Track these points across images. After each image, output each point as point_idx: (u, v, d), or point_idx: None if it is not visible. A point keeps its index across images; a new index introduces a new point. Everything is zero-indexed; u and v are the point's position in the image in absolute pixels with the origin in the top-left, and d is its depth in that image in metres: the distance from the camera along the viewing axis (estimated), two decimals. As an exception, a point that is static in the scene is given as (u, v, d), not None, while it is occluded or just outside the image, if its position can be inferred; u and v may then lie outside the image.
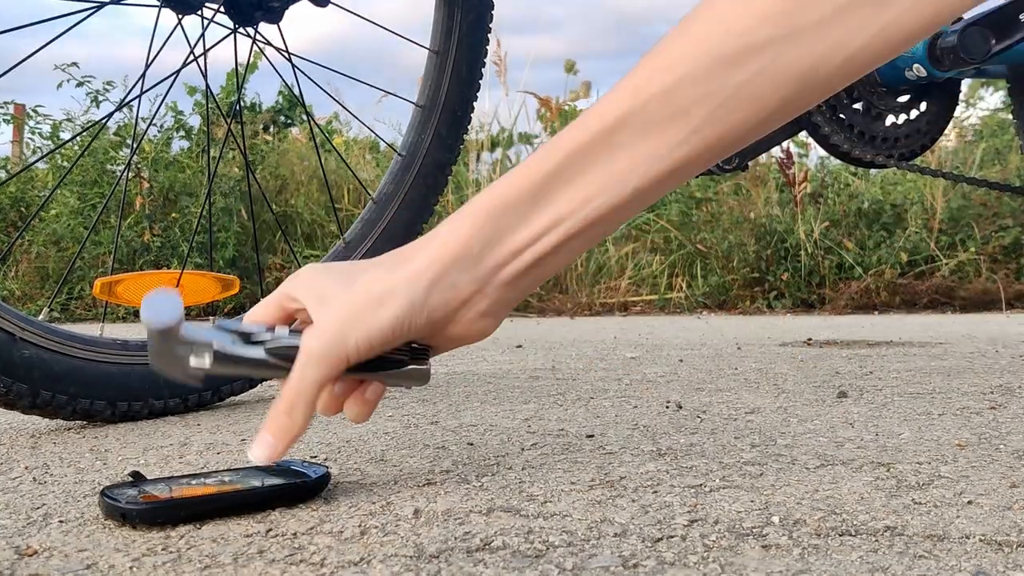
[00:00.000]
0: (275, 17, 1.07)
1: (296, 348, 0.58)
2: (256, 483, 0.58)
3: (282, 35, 1.10)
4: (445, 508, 0.57)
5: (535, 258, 0.58)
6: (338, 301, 0.57)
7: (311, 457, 0.74)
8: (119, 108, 1.21)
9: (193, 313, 3.51)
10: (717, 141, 0.55)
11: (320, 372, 0.57)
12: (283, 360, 0.58)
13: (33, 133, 4.63)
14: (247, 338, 0.59)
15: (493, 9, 1.24)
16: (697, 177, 1.86)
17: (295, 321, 0.62)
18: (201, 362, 0.57)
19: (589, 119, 0.56)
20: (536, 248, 0.57)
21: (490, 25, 1.25)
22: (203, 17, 1.03)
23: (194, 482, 0.60)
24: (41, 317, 0.94)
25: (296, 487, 0.58)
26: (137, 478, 0.60)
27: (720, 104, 0.53)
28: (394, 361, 0.60)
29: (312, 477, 0.60)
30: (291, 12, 1.09)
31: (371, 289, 0.57)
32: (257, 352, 0.58)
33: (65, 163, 4.32)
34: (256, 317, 0.62)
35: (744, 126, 0.54)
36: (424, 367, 0.62)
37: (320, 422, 0.92)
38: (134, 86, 0.99)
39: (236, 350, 0.58)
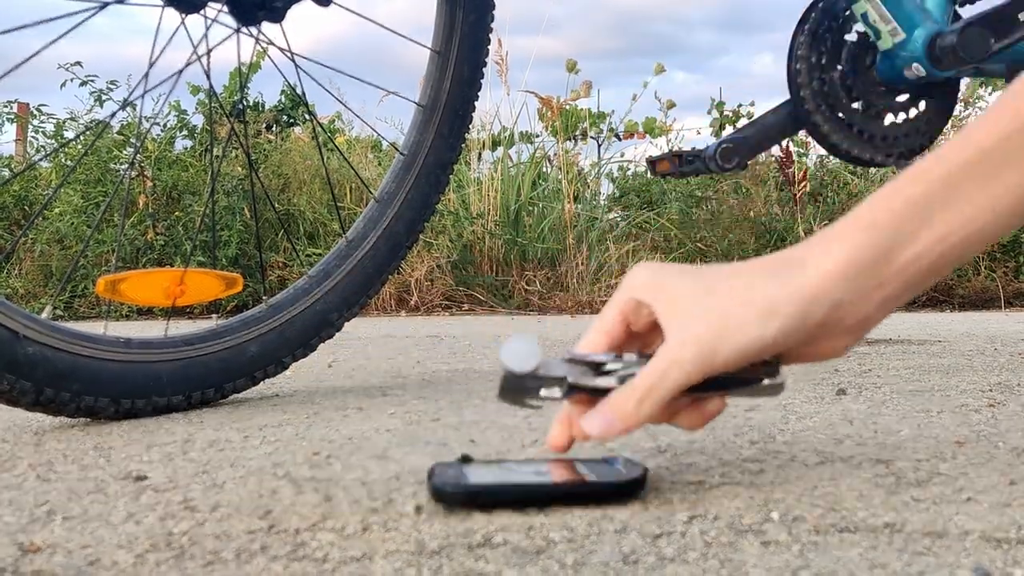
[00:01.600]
0: (278, 17, 1.08)
1: None
2: (569, 478, 0.59)
3: (285, 35, 1.10)
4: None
5: (917, 273, 0.54)
6: (704, 308, 0.54)
7: (313, 454, 0.75)
8: (122, 107, 1.21)
9: (196, 311, 3.52)
10: None
11: (683, 378, 0.55)
12: None
13: (37, 132, 4.64)
14: (598, 368, 0.59)
15: (494, 9, 1.25)
16: (697, 176, 1.86)
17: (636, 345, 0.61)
18: (551, 393, 0.59)
19: (976, 135, 0.52)
20: (919, 264, 0.53)
21: (491, 25, 1.25)
22: (206, 17, 1.04)
23: (515, 468, 0.62)
24: (44, 315, 0.94)
25: (607, 486, 0.58)
26: (465, 460, 0.63)
27: None
28: (748, 379, 0.58)
29: (627, 478, 0.59)
30: (294, 12, 1.09)
31: (750, 299, 0.54)
32: (609, 381, 0.58)
33: (69, 162, 4.32)
34: (596, 339, 0.60)
35: None
36: (780, 381, 0.59)
37: (323, 419, 0.92)
38: (137, 85, 1.00)
39: (588, 381, 0.59)
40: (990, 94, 5.10)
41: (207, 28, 1.04)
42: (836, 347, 0.57)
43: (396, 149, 1.26)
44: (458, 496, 0.56)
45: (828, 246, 0.54)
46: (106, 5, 0.95)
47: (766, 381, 0.58)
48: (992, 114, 0.53)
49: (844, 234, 0.54)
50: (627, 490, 0.58)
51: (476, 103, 1.27)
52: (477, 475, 0.59)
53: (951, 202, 0.52)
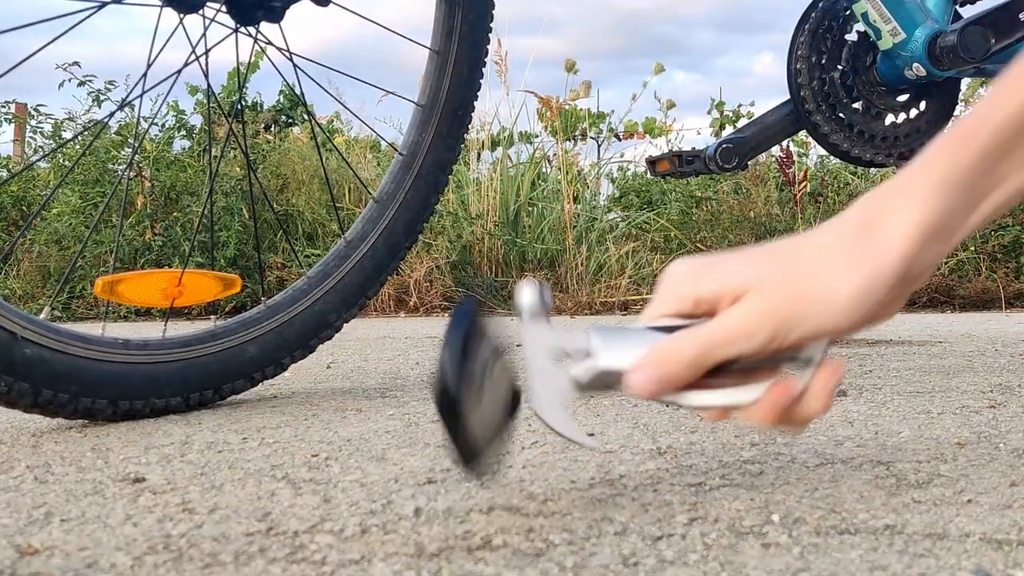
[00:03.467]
0: (276, 16, 1.07)
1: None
2: None
3: (283, 35, 1.10)
4: (446, 507, 0.57)
5: (989, 217, 0.51)
6: (786, 281, 0.50)
7: (312, 456, 0.74)
8: (121, 107, 1.21)
9: (194, 312, 3.51)
10: None
11: (749, 349, 0.50)
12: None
13: (35, 132, 4.63)
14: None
15: (494, 8, 1.24)
16: (696, 176, 1.86)
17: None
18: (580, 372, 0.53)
19: None
20: (983, 217, 0.50)
21: (491, 24, 1.25)
22: (204, 16, 1.03)
23: None
24: (43, 316, 0.94)
25: None
26: None
27: None
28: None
29: None
30: (292, 12, 1.09)
31: (840, 273, 0.49)
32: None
33: (67, 162, 4.32)
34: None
35: None
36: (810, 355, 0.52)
37: (321, 421, 0.92)
38: (135, 85, 1.00)
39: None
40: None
41: (205, 28, 1.04)
42: (890, 312, 0.53)
43: (395, 149, 1.26)
44: None
45: (904, 205, 0.50)
46: (104, 5, 0.95)
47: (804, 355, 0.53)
48: None
49: (919, 193, 0.50)
50: None
51: (475, 103, 1.26)
52: None
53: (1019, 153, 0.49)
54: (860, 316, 0.50)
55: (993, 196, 0.50)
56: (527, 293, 0.55)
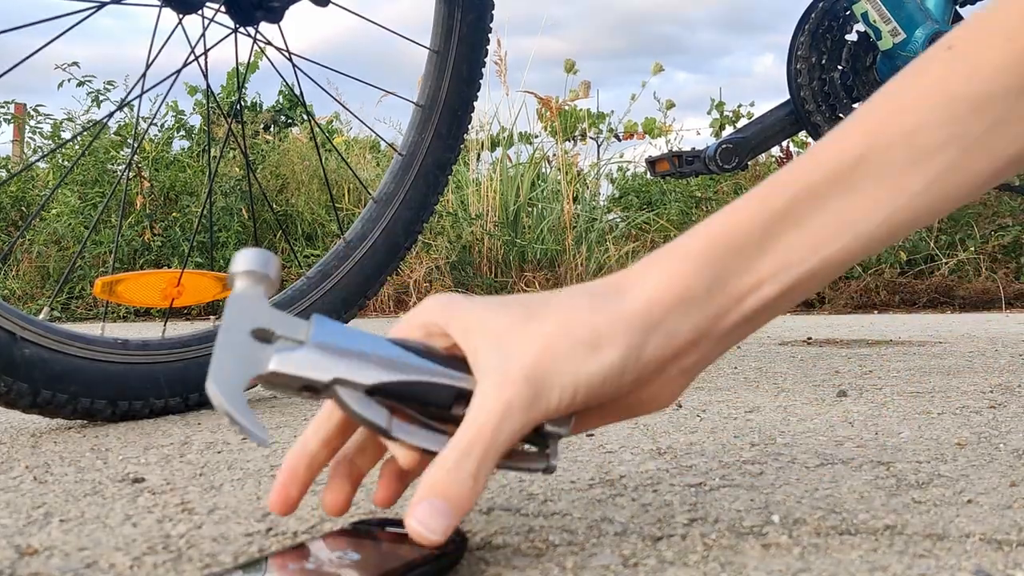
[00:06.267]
0: (276, 17, 1.07)
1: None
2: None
3: (283, 35, 1.10)
4: (445, 507, 0.57)
5: (756, 307, 0.49)
6: (527, 336, 0.46)
7: (312, 456, 0.74)
8: (120, 108, 1.21)
9: (193, 312, 3.52)
10: (955, 190, 0.49)
11: (517, 428, 0.45)
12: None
13: (34, 132, 4.64)
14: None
15: (494, 9, 1.24)
16: (696, 176, 1.86)
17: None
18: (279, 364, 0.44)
19: (821, 157, 0.50)
20: (759, 295, 0.48)
21: (490, 24, 1.25)
22: (204, 17, 1.03)
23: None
24: (42, 316, 0.94)
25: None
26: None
27: (963, 150, 0.48)
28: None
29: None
30: (292, 12, 1.09)
31: (573, 330, 0.46)
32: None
33: (66, 162, 4.32)
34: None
35: (981, 177, 0.49)
36: (553, 463, 0.48)
37: (320, 421, 0.92)
38: (135, 85, 1.00)
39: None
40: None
41: (205, 28, 1.04)
42: (673, 392, 0.50)
43: (394, 149, 1.26)
44: None
45: (646, 275, 0.49)
46: (103, 5, 0.95)
47: (548, 451, 0.48)
48: (842, 133, 0.51)
49: (671, 262, 0.49)
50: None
51: (475, 103, 1.27)
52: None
53: (795, 228, 0.49)
54: (600, 382, 0.46)
55: (756, 272, 0.48)
56: (246, 256, 0.48)
